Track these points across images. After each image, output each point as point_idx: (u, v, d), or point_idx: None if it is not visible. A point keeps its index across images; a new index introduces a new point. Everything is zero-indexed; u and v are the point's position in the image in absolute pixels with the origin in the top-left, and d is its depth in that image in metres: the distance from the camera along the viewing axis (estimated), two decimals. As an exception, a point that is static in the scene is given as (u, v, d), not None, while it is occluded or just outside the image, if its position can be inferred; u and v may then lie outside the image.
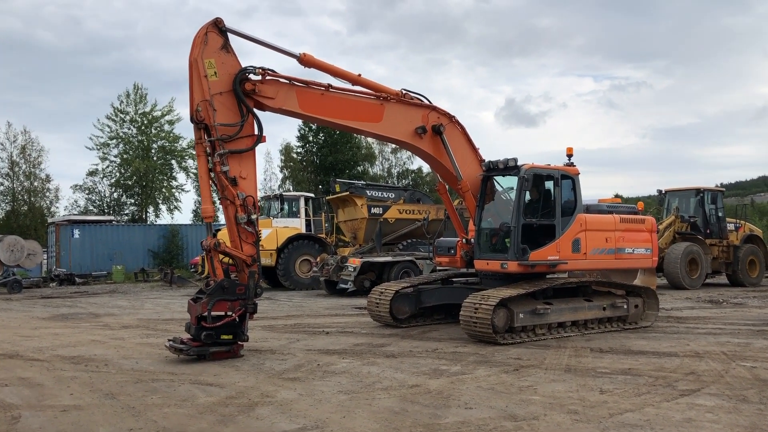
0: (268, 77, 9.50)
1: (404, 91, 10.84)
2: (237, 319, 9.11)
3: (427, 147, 11.03)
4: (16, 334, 12.18)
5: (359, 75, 10.40)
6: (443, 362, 8.65)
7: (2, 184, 54.34)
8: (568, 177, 11.39)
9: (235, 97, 9.24)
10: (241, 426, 5.75)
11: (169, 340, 9.25)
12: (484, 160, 11.54)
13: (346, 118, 10.25)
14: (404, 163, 68.90)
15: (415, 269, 20.24)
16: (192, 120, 9.17)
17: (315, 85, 9.93)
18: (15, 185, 54.46)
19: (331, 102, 10.07)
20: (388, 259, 20.49)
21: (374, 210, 23.73)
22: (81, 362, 8.96)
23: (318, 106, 9.96)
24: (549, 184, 11.31)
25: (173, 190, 55.85)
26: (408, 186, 30.88)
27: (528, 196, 11.09)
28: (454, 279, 12.93)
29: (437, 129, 10.96)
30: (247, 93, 9.33)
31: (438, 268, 18.00)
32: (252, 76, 9.39)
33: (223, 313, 8.95)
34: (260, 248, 23.08)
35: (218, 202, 9.82)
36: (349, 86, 10.28)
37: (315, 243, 23.94)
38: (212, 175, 9.31)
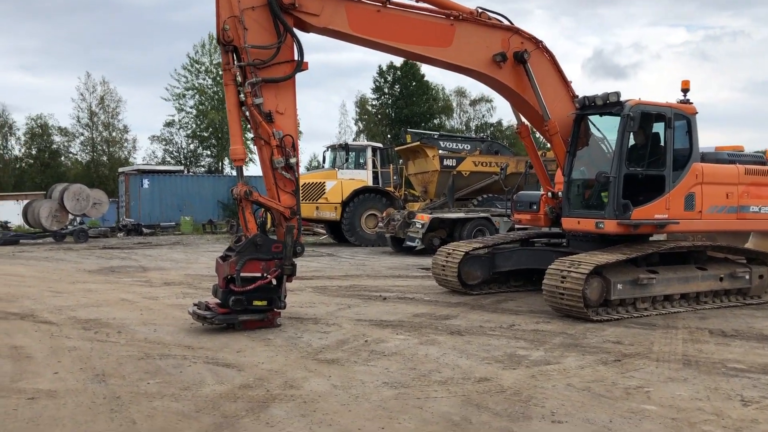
0: (311, -12, 7.74)
1: (480, 10, 8.85)
2: (273, 282, 7.61)
3: (508, 79, 9.06)
4: (48, 289, 11.19)
5: (425, -13, 8.48)
6: (521, 344, 6.89)
7: (82, 134, 55.45)
8: (683, 117, 9.20)
9: (270, 13, 7.54)
10: (241, 436, 4.22)
11: (194, 305, 7.86)
12: (577, 96, 9.47)
13: (408, 42, 8.39)
14: (483, 116, 66.33)
15: (491, 227, 18.33)
16: (218, 41, 7.57)
17: None
18: (94, 135, 55.47)
19: (389, 21, 8.22)
20: (461, 215, 18.64)
21: (447, 162, 21.86)
22: (93, 327, 7.70)
23: (373, 26, 8.14)
24: (659, 126, 9.16)
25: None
26: (485, 137, 28.66)
27: (632, 140, 9.00)
28: (535, 240, 11.05)
29: (520, 57, 8.95)
30: (286, 8, 7.60)
31: (516, 226, 16.09)
32: (291, -13, 7.65)
33: (256, 275, 7.46)
34: (324, 201, 21.96)
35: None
36: (411, 2, 8.39)
37: (382, 197, 22.29)
38: (244, 109, 7.73)
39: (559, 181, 10.04)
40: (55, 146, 55.89)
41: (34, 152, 55.37)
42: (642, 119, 8.77)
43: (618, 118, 8.80)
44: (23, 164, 55.53)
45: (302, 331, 7.54)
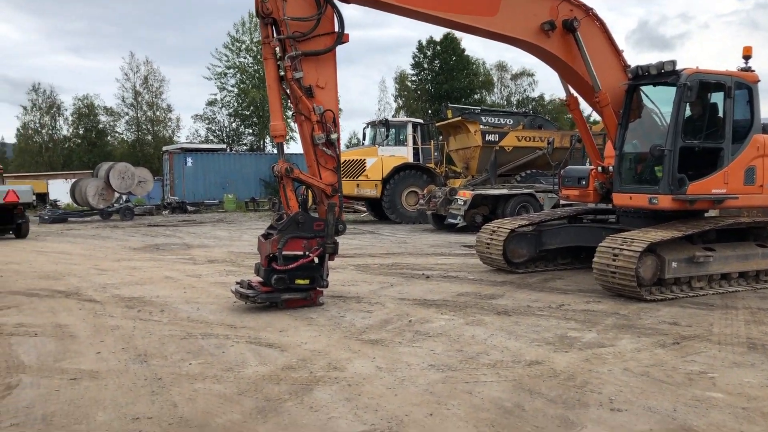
0: (351, -43, 7.47)
1: (527, -23, 8.45)
2: (315, 261, 7.47)
3: (556, 48, 8.66)
4: (94, 267, 11.31)
5: (469, -46, 8.11)
6: (572, 325, 6.62)
7: (127, 114, 56.31)
8: (743, 86, 8.69)
9: (309, -17, 7.31)
10: (284, 421, 4.08)
11: (237, 283, 7.79)
12: (629, 66, 9.03)
13: (451, 11, 8.04)
14: (524, 90, 65.19)
15: (535, 204, 17.94)
16: (257, 14, 7.37)
17: (412, -32, 7.78)
18: (139, 114, 56.28)
19: (433, -11, 7.90)
20: (504, 191, 18.27)
21: (489, 137, 21.43)
22: (136, 306, 7.70)
23: (415, -5, 7.84)
24: (717, 96, 8.67)
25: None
26: (528, 111, 28.00)
27: (689, 111, 8.54)
28: (583, 216, 10.69)
29: (569, 25, 8.54)
30: (325, -22, 7.37)
31: (562, 202, 15.68)
32: (331, -44, 7.40)
33: (298, 253, 7.33)
34: (364, 179, 21.77)
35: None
36: (456, -31, 8.03)
37: (423, 173, 21.98)
38: (284, 84, 7.54)
39: (609, 155, 9.65)
40: (101, 126, 56.99)
41: (81, 132, 56.52)
42: (700, 88, 8.30)
43: (673, 88, 8.36)
44: (71, 144, 56.77)
45: (345, 310, 7.41)
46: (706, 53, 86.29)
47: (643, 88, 8.93)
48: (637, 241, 7.78)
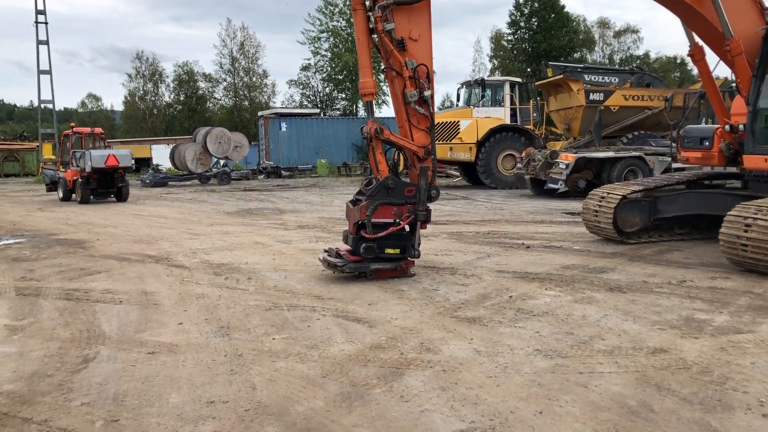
0: None
1: None
2: (406, 229, 6.96)
3: (681, -10, 7.64)
4: (186, 231, 11.31)
5: None
6: (698, 305, 5.80)
7: (225, 80, 57.58)
8: None
9: (401, -76, 6.65)
10: (371, 413, 3.61)
11: (324, 251, 7.41)
12: (767, 9, 7.86)
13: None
14: (628, 48, 61.83)
15: (644, 167, 16.64)
16: (345, -39, 6.80)
17: None
18: (236, 81, 57.42)
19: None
20: (610, 154, 17.04)
21: (593, 96, 20.09)
22: (224, 273, 7.48)
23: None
24: None
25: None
26: (634, 69, 26.14)
27: (843, 59, 7.34)
28: (702, 181, 9.60)
29: (698, -38, 7.48)
30: None
31: (675, 165, 14.41)
32: None
33: (388, 221, 6.83)
34: (458, 142, 21.03)
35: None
36: None
37: (521, 136, 20.94)
38: (374, 37, 6.97)
39: (738, 112, 8.53)
40: (200, 92, 58.67)
41: (182, 98, 58.46)
42: None
43: (824, 32, 7.18)
44: (173, 110, 58.86)
45: (438, 282, 6.87)
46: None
47: (784, 33, 7.76)
48: (774, 210, 6.77)
